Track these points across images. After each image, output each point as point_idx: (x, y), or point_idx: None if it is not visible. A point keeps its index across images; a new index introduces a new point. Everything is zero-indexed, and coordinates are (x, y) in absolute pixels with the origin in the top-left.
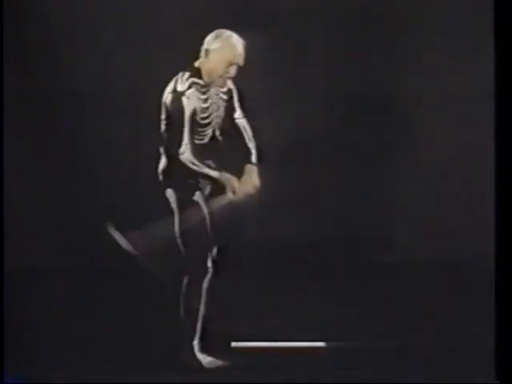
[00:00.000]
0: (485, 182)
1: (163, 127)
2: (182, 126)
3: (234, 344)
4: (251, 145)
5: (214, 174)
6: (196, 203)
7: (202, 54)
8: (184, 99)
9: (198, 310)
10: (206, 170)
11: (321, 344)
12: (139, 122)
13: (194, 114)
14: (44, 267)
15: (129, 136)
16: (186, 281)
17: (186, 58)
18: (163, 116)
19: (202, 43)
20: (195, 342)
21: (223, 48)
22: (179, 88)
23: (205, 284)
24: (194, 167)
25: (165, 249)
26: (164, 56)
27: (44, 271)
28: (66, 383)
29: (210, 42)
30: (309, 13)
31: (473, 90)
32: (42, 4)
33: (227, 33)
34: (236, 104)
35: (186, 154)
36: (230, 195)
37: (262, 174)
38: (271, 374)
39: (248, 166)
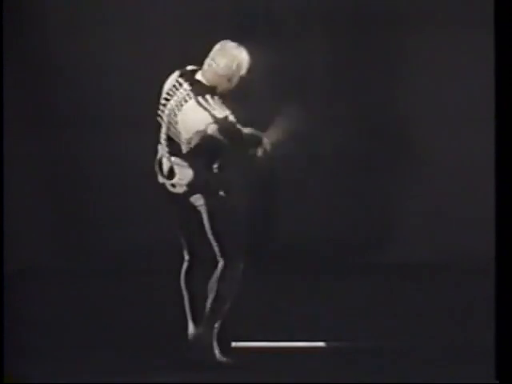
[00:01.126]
0: (485, 182)
1: (186, 147)
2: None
3: (233, 344)
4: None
5: (258, 133)
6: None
7: (221, 77)
8: (230, 119)
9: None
10: (249, 130)
11: (321, 344)
12: (140, 121)
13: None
14: (44, 267)
15: (129, 136)
16: (222, 271)
17: (187, 61)
18: (195, 141)
19: (203, 48)
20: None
21: (238, 72)
22: (218, 115)
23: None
24: (238, 127)
25: (165, 249)
26: (166, 58)
27: (44, 271)
28: (65, 383)
29: (226, 69)
30: (310, 13)
31: (473, 90)
32: (41, 4)
33: (241, 55)
34: None
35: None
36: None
37: (261, 174)
38: (271, 374)
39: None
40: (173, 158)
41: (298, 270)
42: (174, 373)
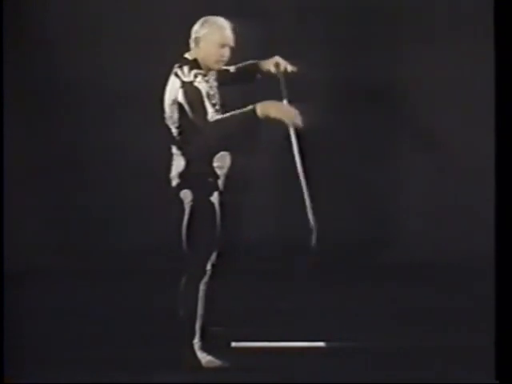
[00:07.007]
0: (485, 182)
1: (176, 131)
2: (202, 105)
3: (233, 344)
4: None
5: (248, 109)
6: (212, 204)
7: (193, 43)
8: (196, 84)
9: (195, 310)
10: (239, 111)
11: (321, 344)
12: (140, 120)
13: (207, 96)
14: (44, 268)
15: (129, 136)
16: (183, 281)
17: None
18: (176, 115)
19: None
20: (195, 341)
21: (211, 32)
22: (186, 79)
23: (202, 286)
24: (227, 115)
25: (165, 249)
26: (165, 46)
27: (44, 272)
28: (65, 383)
29: (198, 30)
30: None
31: (473, 90)
32: (41, 5)
33: (213, 18)
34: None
35: (214, 117)
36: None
37: (261, 174)
38: (271, 374)
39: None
40: (173, 149)
41: (298, 271)
42: (173, 373)
